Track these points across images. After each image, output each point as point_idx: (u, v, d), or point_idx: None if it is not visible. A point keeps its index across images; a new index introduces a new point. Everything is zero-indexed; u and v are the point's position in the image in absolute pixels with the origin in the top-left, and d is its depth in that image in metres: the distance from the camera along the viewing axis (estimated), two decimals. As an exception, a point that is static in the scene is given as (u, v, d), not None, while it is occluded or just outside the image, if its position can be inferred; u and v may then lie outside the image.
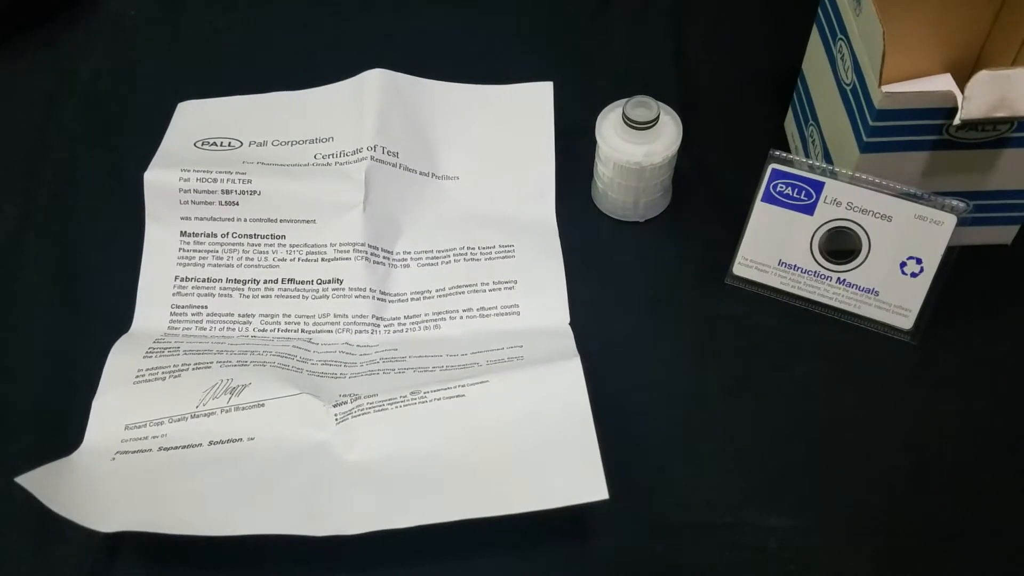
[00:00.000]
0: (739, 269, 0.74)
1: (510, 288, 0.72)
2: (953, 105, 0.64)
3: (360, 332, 0.68)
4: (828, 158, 0.74)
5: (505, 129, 0.80)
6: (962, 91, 0.64)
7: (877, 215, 0.69)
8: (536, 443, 0.57)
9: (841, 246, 0.71)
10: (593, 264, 0.77)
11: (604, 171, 0.77)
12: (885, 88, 0.64)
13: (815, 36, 0.76)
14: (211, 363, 0.62)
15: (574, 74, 0.87)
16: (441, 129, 0.79)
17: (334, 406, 0.59)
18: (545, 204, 0.78)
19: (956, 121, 0.64)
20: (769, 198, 0.72)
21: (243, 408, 0.58)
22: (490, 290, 0.71)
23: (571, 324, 0.71)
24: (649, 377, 0.71)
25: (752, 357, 0.72)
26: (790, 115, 0.83)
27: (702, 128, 0.84)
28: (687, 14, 0.93)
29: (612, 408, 0.67)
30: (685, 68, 0.89)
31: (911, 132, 0.67)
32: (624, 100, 0.74)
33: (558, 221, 0.78)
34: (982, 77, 0.62)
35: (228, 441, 0.57)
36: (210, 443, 0.57)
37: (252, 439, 0.57)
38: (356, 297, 0.69)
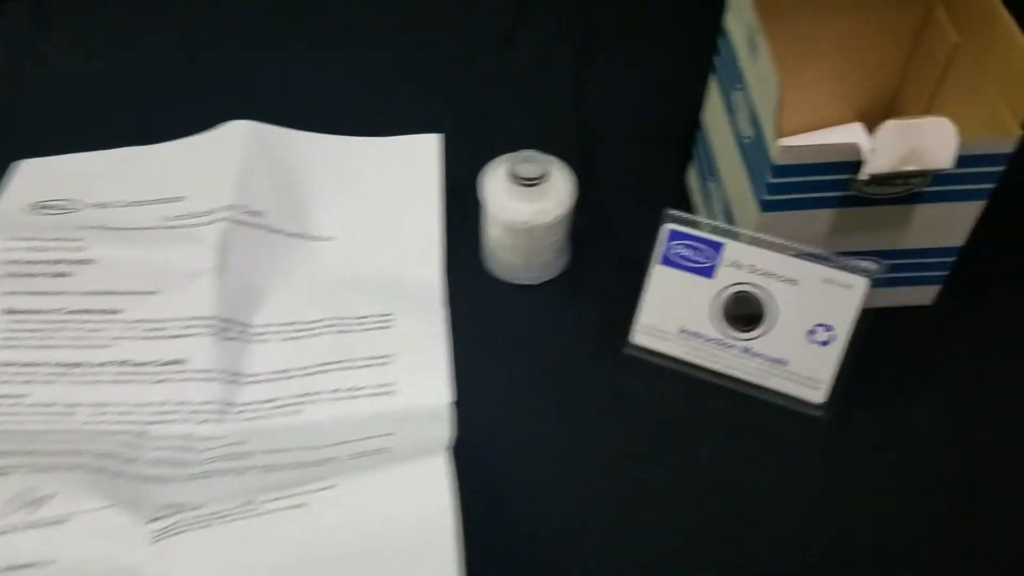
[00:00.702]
0: (639, 337, 0.68)
1: (385, 363, 0.65)
2: (859, 158, 0.59)
3: (205, 422, 0.60)
4: (730, 216, 0.68)
5: (387, 185, 0.74)
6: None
7: (781, 279, 0.63)
8: (384, 561, 0.49)
9: (745, 311, 0.65)
10: (482, 332, 0.70)
11: (492, 231, 0.70)
12: (784, 141, 0.59)
13: (713, 86, 0.71)
14: (14, 467, 0.53)
15: (467, 125, 0.81)
16: (315, 185, 0.72)
17: (151, 522, 0.51)
18: (430, 267, 0.71)
19: (863, 176, 0.58)
20: (667, 260, 0.65)
21: (44, 525, 0.50)
22: (363, 366, 0.64)
23: (456, 401, 0.64)
24: (541, 459, 0.64)
25: (654, 434, 0.66)
26: (692, 169, 0.77)
27: (603, 183, 0.79)
28: (589, 60, 0.88)
29: (498, 497, 0.60)
30: (585, 118, 0.83)
31: (815, 188, 0.61)
32: (510, 155, 0.68)
33: (445, 285, 0.71)
34: (890, 127, 0.57)
35: (24, 566, 0.49)
36: (6, 567, 0.49)
37: (53, 562, 0.49)
38: (202, 380, 0.61)
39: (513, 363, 0.69)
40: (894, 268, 0.66)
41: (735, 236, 0.64)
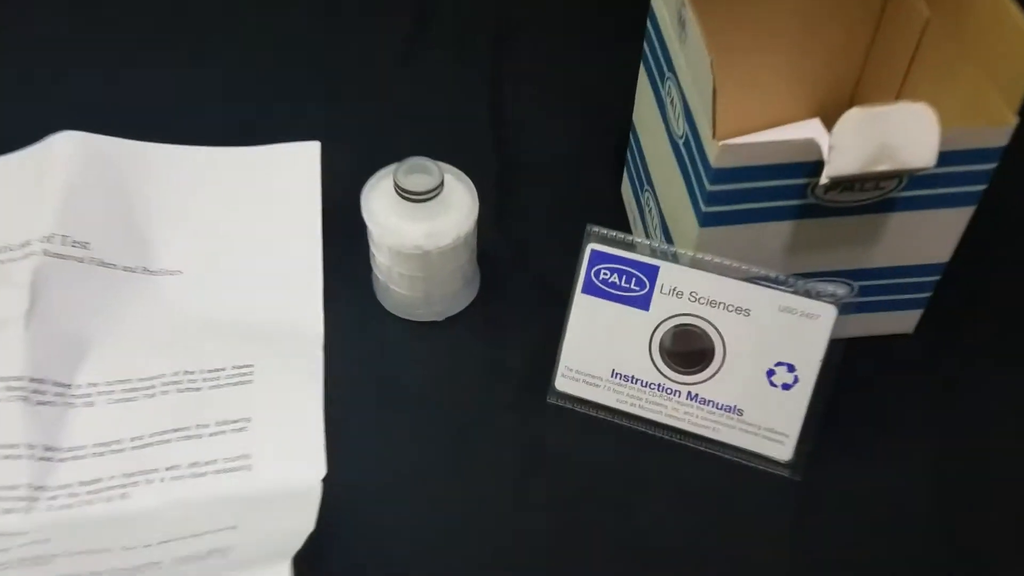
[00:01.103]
0: (562, 383, 0.55)
1: (241, 429, 0.52)
2: (818, 158, 0.47)
3: (8, 512, 0.47)
4: (668, 234, 0.56)
5: (253, 204, 0.61)
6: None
7: (731, 308, 0.51)
8: None
9: (689, 349, 0.53)
10: (373, 383, 0.57)
11: (380, 259, 0.58)
12: (724, 140, 0.47)
13: (643, 78, 0.59)
14: None
15: (358, 135, 0.68)
16: (160, 208, 0.59)
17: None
18: (306, 304, 0.58)
19: (823, 180, 0.47)
20: (592, 288, 0.53)
21: None
22: (212, 434, 0.51)
23: (331, 477, 0.51)
24: (443, 544, 0.51)
25: (584, 500, 0.53)
26: (625, 180, 0.65)
27: (523, 197, 0.66)
28: (508, 55, 0.76)
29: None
30: (502, 123, 0.71)
31: (764, 197, 0.49)
32: (395, 165, 0.56)
33: (327, 325, 0.58)
34: (854, 117, 0.45)
35: None
36: None
37: None
38: (5, 459, 0.48)
39: (412, 419, 0.56)
40: (866, 291, 0.55)
41: (672, 257, 0.52)
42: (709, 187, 0.48)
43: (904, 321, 0.58)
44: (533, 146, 0.70)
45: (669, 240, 0.55)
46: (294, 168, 0.62)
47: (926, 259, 0.54)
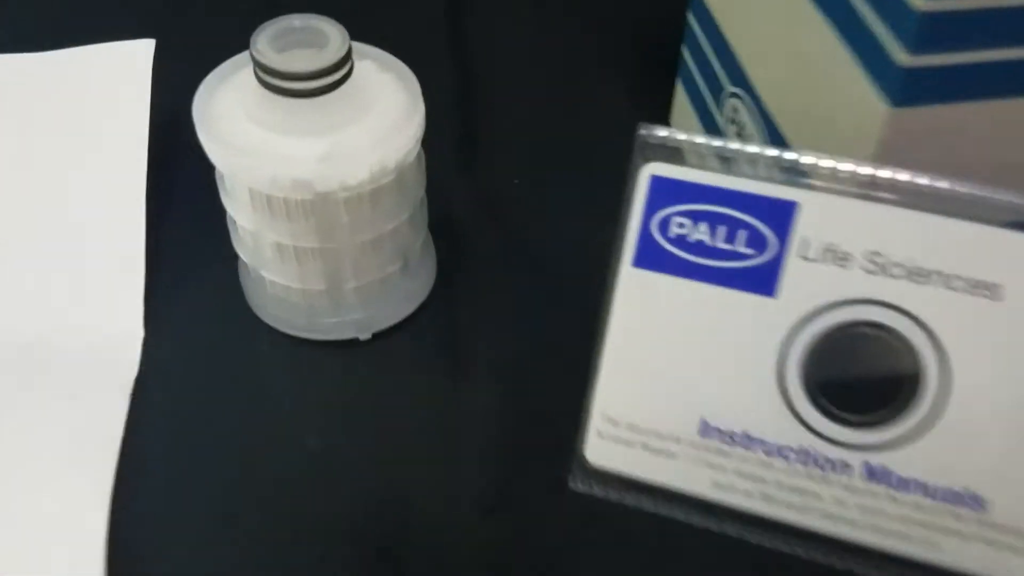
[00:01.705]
0: (599, 450, 0.28)
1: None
2: None
3: None
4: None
5: (44, 135, 0.34)
6: None
7: (957, 283, 0.24)
8: None
9: (867, 373, 0.26)
10: (229, 464, 0.30)
11: (240, 217, 0.30)
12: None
13: None
14: None
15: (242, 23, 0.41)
16: None
17: None
18: (114, 312, 0.31)
19: None
20: (654, 255, 0.26)
21: None
22: None
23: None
24: None
25: None
26: (681, 93, 0.38)
27: (502, 126, 0.40)
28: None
29: None
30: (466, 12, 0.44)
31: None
32: (261, 28, 0.28)
33: (145, 355, 0.31)
34: None
35: None
36: None
37: None
38: None
39: (306, 556, 0.29)
40: None
41: (828, 176, 0.25)
42: (914, 33, 0.21)
43: None
44: (516, 49, 0.43)
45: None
46: (116, 72, 0.35)
47: None
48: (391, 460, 0.30)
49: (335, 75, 0.28)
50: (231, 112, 0.29)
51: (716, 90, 0.35)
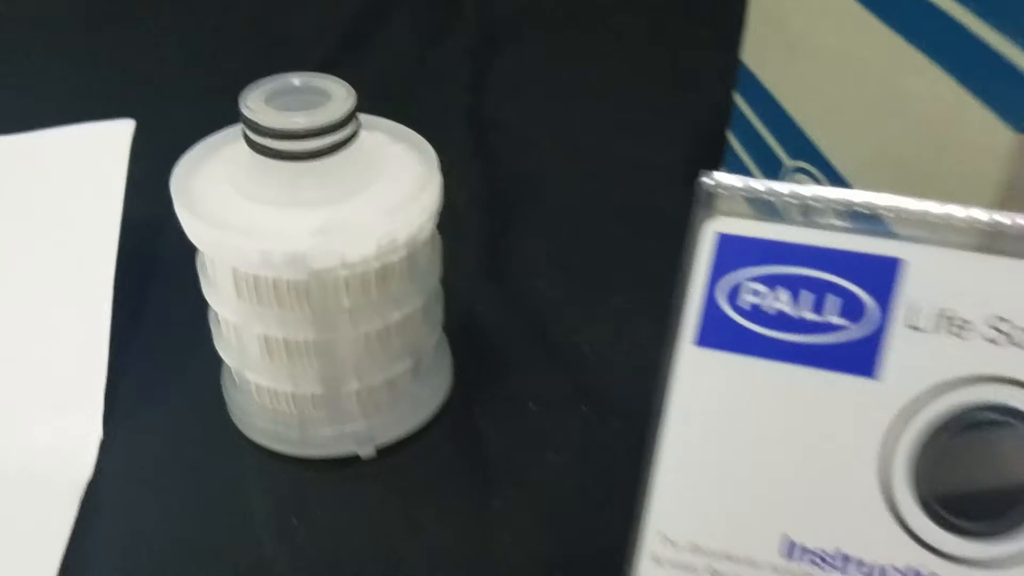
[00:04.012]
0: (652, 580, 0.22)
1: None
2: None
3: None
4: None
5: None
6: None
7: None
8: None
9: (996, 480, 0.21)
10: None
11: (221, 307, 0.26)
12: None
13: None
14: None
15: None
16: None
17: None
18: (75, 409, 0.27)
19: None
20: (722, 331, 0.21)
21: None
22: None
23: None
24: None
25: None
26: (732, 143, 0.34)
27: (529, 224, 0.36)
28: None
29: None
30: (488, 85, 0.41)
31: None
32: (254, 84, 0.25)
33: (99, 472, 0.26)
34: None
35: None
36: None
37: None
38: None
39: None
40: None
41: (940, 227, 0.20)
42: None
43: None
44: (545, 143, 0.40)
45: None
46: (93, 160, 0.32)
47: None
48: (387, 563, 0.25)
49: (337, 135, 0.24)
50: (217, 187, 0.25)
51: (773, 168, 0.31)
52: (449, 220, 0.26)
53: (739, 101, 0.34)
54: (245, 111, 0.24)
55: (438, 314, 0.28)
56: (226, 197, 0.25)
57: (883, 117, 0.25)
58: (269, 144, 0.24)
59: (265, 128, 0.24)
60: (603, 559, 0.23)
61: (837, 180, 0.28)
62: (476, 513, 0.26)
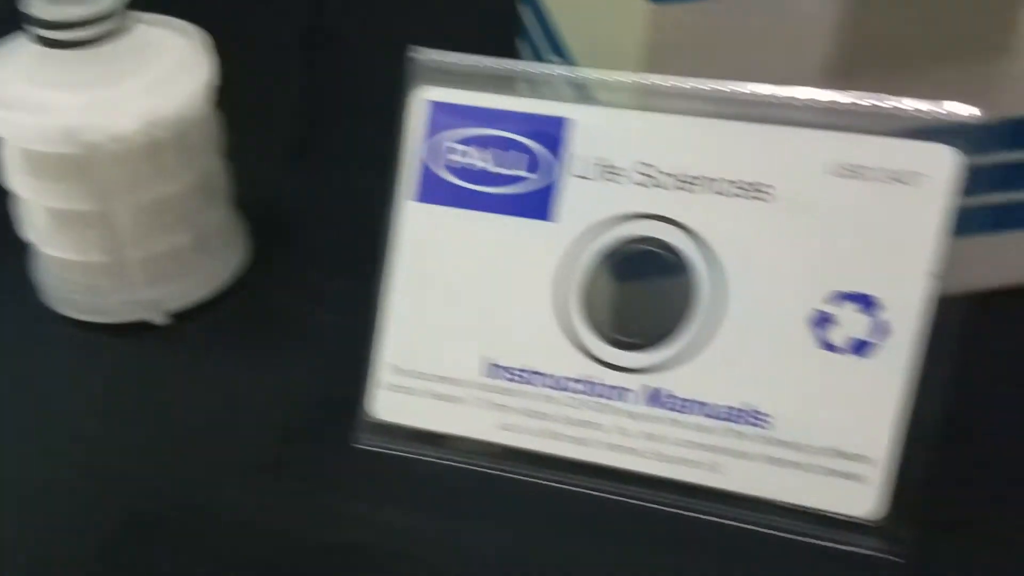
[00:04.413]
0: (387, 403, 0.26)
1: None
2: None
3: None
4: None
5: None
6: None
7: (729, 188, 0.24)
8: None
9: (640, 294, 0.25)
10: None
11: (16, 182, 0.29)
12: None
13: None
14: None
15: None
16: None
17: None
18: None
19: None
20: (436, 188, 0.25)
21: None
22: None
23: None
24: None
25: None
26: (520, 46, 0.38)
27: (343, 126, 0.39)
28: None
29: None
30: None
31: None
32: (30, -19, 0.28)
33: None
34: None
35: None
36: None
37: None
38: None
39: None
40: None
41: (598, 88, 0.25)
42: None
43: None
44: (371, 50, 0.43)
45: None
46: None
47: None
48: (172, 442, 0.28)
49: (105, 24, 0.27)
50: (6, 76, 0.28)
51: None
52: (264, 117, 0.29)
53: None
54: (23, 6, 0.27)
55: (220, 191, 0.31)
56: (14, 83, 0.28)
57: (590, 9, 0.29)
58: (43, 33, 0.27)
59: (39, 19, 0.27)
60: (358, 394, 0.27)
61: (549, 29, 0.31)
62: (251, 369, 0.30)
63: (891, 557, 0.24)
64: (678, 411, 0.25)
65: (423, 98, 0.25)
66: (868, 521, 0.24)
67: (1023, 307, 0.30)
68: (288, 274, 0.33)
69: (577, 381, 0.25)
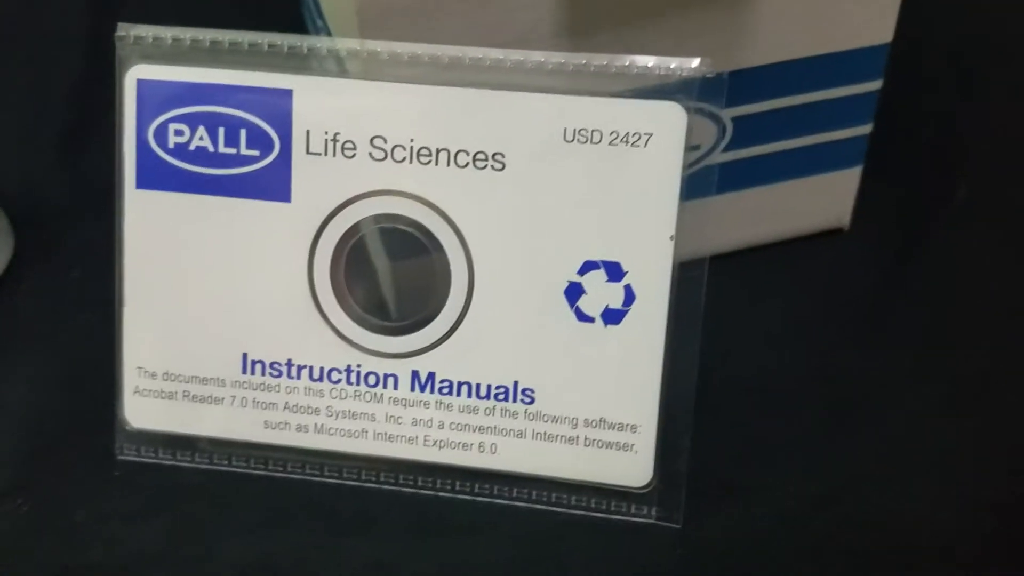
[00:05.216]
0: (137, 409, 0.24)
1: None
2: None
3: None
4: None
5: None
6: None
7: (463, 159, 0.22)
8: None
9: (396, 274, 0.24)
10: None
11: None
12: None
13: None
14: None
15: None
16: None
17: None
18: None
19: None
20: (156, 172, 0.23)
21: None
22: None
23: None
24: None
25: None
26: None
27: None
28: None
29: None
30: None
31: None
32: None
33: None
34: None
35: None
36: None
37: None
38: None
39: None
40: (756, 126, 0.27)
41: (324, 58, 0.23)
42: None
43: (833, 199, 0.30)
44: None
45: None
46: None
47: (859, 41, 0.27)
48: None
49: None
50: None
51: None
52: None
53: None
54: None
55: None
56: None
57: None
58: None
59: None
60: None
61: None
62: (4, 380, 0.28)
63: (667, 524, 0.23)
64: (446, 394, 0.23)
65: (135, 77, 0.23)
66: (641, 489, 0.23)
67: (767, 266, 0.29)
68: (47, 278, 0.30)
69: (339, 371, 0.24)
